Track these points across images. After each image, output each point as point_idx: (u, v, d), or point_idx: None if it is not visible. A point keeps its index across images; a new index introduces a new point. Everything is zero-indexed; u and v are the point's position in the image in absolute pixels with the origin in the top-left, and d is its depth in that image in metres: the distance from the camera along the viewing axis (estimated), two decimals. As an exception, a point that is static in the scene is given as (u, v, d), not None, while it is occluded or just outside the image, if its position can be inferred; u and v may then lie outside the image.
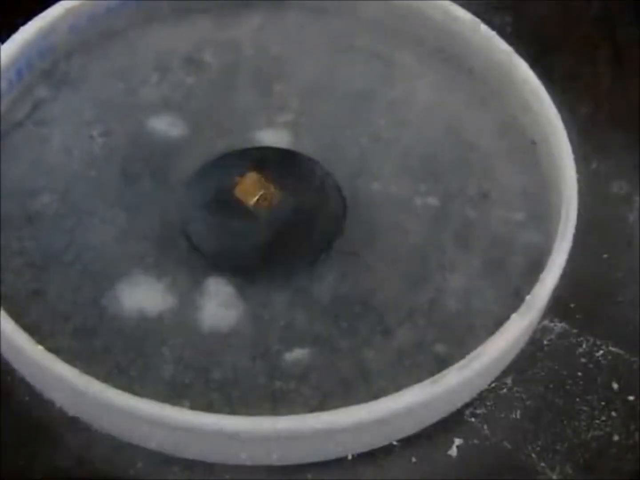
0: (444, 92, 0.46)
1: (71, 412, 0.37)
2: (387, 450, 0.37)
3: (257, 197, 0.40)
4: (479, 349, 0.36)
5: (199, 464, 0.36)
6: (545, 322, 0.40)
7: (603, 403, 0.38)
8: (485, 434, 0.37)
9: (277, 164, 0.42)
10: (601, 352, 0.40)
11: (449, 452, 0.37)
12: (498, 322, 0.37)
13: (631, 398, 0.39)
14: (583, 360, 0.40)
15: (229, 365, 0.38)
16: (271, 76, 0.46)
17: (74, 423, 0.36)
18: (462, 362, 0.35)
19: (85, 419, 0.36)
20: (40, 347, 0.35)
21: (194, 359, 0.38)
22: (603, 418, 0.38)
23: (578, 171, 0.40)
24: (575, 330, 0.40)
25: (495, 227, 0.42)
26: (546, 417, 0.38)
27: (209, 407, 0.36)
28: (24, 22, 0.43)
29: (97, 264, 0.40)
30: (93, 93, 0.45)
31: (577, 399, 0.39)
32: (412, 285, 0.40)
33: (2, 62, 0.42)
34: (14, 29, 0.43)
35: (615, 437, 0.38)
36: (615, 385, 0.39)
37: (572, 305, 0.41)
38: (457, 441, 0.37)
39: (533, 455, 0.37)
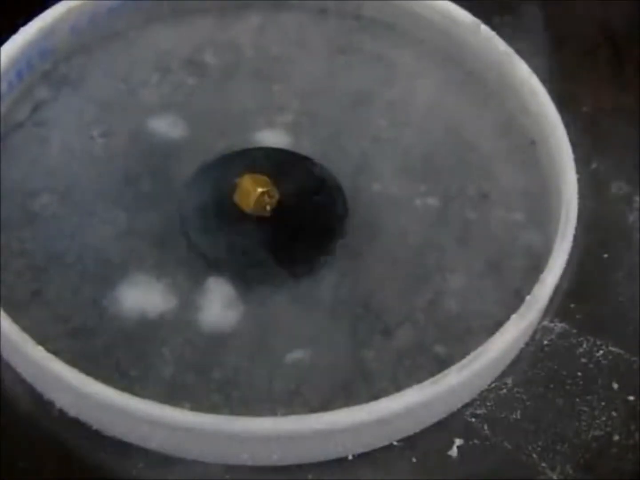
0: (443, 93, 0.46)
1: (71, 413, 0.36)
2: (387, 450, 0.37)
3: (257, 198, 0.40)
4: (479, 349, 0.36)
5: (199, 464, 0.36)
6: (545, 322, 0.40)
7: (603, 403, 0.38)
8: (486, 434, 0.37)
9: (278, 164, 0.42)
10: (601, 352, 0.40)
11: (449, 453, 0.37)
12: (498, 323, 0.37)
13: (631, 398, 0.39)
14: (583, 360, 0.39)
15: (229, 365, 0.38)
16: (271, 77, 0.46)
17: (74, 424, 0.36)
18: (462, 363, 0.35)
19: (86, 419, 0.36)
20: (40, 348, 0.35)
21: (194, 359, 0.38)
22: (603, 418, 0.38)
23: (578, 171, 0.40)
24: (575, 330, 0.40)
25: (495, 228, 0.42)
26: (546, 417, 0.38)
27: (209, 408, 0.36)
28: (24, 23, 0.43)
29: (97, 265, 0.40)
30: (93, 94, 0.45)
31: (577, 399, 0.38)
32: (412, 286, 0.40)
33: (2, 63, 0.42)
34: (14, 29, 0.43)
35: (616, 437, 0.38)
36: (615, 385, 0.39)
37: (572, 305, 0.41)
38: (458, 441, 0.37)
39: (533, 455, 0.37)
